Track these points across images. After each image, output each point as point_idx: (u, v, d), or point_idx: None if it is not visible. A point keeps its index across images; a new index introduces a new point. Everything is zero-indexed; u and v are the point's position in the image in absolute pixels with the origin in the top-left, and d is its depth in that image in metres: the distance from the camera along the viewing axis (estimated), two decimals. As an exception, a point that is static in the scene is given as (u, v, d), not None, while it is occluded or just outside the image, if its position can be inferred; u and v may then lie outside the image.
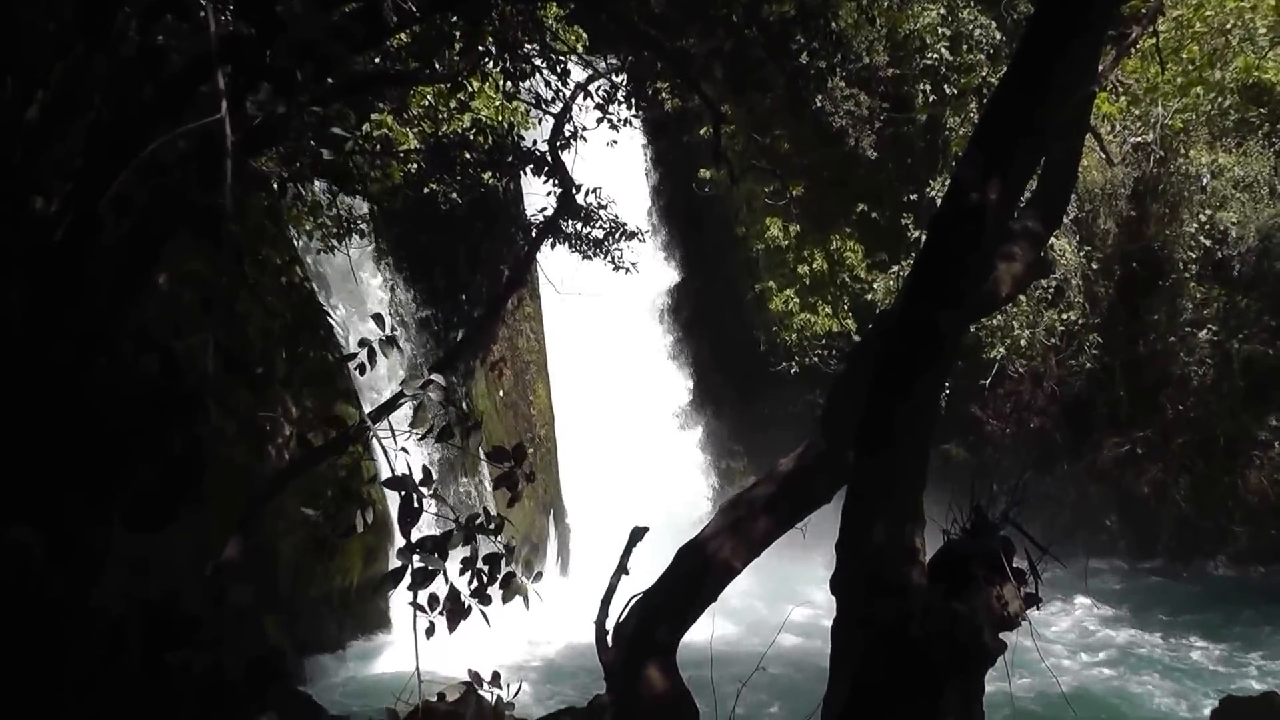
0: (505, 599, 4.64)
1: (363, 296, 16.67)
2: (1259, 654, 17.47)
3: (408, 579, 4.42)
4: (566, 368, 21.23)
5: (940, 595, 6.14)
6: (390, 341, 4.89)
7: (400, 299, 17.83)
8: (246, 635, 10.65)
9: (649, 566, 8.24)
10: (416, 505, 4.48)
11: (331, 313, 14.93)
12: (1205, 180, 22.61)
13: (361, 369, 4.88)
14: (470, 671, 4.45)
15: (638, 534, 8.58)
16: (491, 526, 4.66)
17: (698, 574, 7.84)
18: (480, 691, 4.40)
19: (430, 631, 4.53)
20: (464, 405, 4.71)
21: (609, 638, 8.30)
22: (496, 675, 4.45)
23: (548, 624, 15.00)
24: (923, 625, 5.98)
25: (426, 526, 4.67)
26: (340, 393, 13.59)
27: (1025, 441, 23.65)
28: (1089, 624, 19.27)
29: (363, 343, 4.89)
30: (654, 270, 23.47)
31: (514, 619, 16.21)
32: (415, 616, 4.55)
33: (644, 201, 23.39)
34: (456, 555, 4.74)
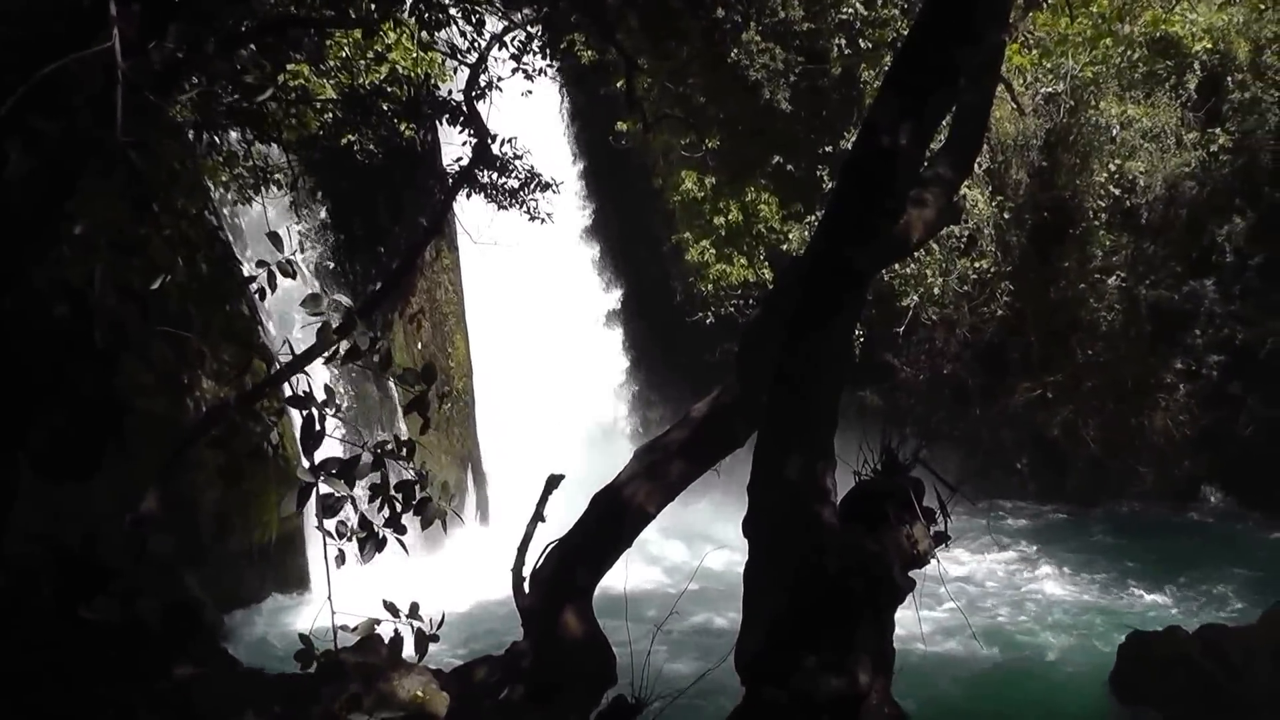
0: (423, 525, 4.58)
1: (280, 249, 16.42)
2: (1165, 591, 17.91)
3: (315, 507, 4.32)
4: (485, 320, 21.12)
5: (853, 533, 6.23)
6: (289, 264, 4.76)
7: (318, 251, 17.62)
8: (166, 587, 10.50)
9: (567, 514, 8.25)
10: (319, 427, 4.37)
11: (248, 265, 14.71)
12: (1115, 131, 22.89)
13: (261, 293, 4.75)
14: (386, 603, 4.36)
15: (554, 481, 8.58)
16: (403, 453, 4.56)
17: (614, 518, 7.86)
18: (399, 624, 4.32)
19: (340, 560, 4.43)
20: (373, 330, 4.60)
21: (526, 584, 8.31)
22: (415, 606, 4.37)
23: (468, 575, 15.02)
24: (838, 562, 6.06)
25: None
26: (257, 348, 13.38)
27: (939, 387, 23.98)
28: (999, 564, 19.60)
29: (260, 264, 4.76)
30: (572, 222, 23.41)
31: (434, 570, 16.21)
32: (325, 544, 4.44)
33: (563, 153, 23.30)
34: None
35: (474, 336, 21.13)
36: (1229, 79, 23.21)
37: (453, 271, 20.72)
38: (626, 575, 7.51)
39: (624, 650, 7.27)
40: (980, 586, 18.32)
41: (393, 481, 4.70)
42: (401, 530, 4.56)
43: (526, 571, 8.33)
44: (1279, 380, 22.17)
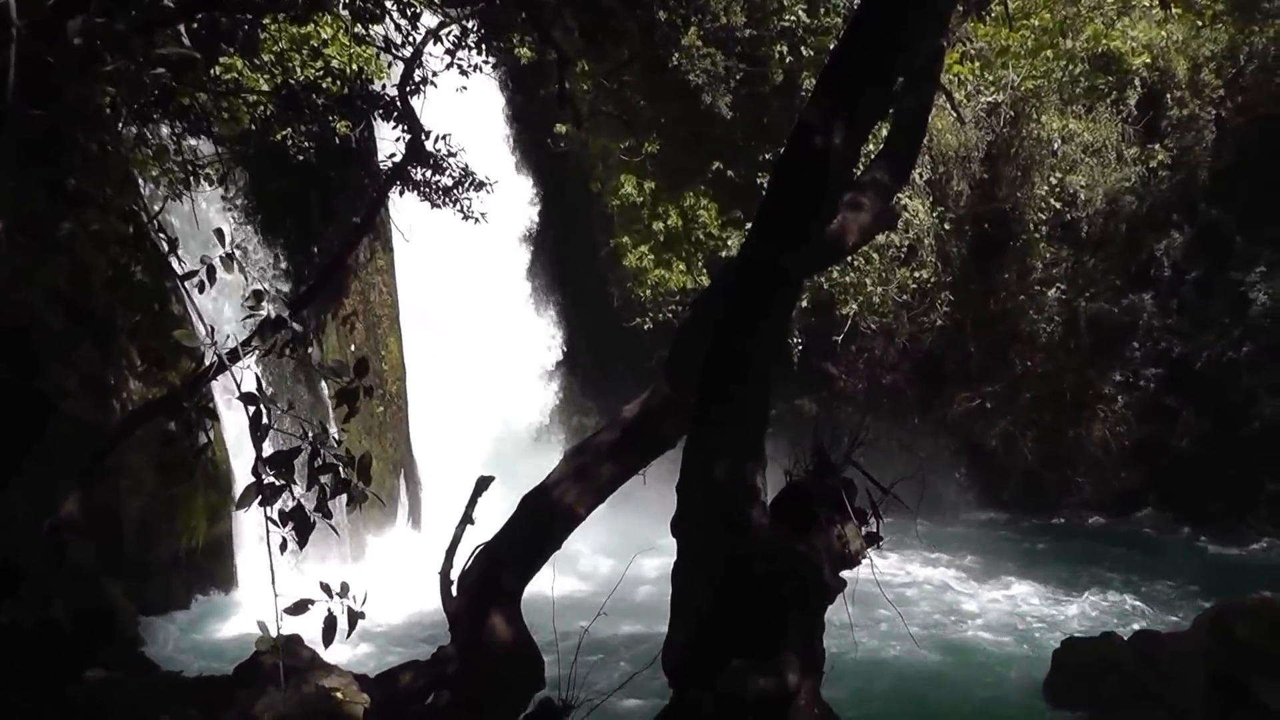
0: (349, 509, 4.55)
1: (210, 247, 16.17)
2: (1101, 598, 17.99)
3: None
4: (418, 323, 20.90)
5: (783, 534, 6.16)
6: (230, 258, 4.70)
7: (250, 249, 17.34)
8: (85, 594, 10.29)
9: (499, 517, 8.14)
10: (266, 421, 4.38)
11: (176, 261, 14.45)
12: (1056, 145, 23.13)
13: (201, 287, 4.69)
14: (322, 584, 4.31)
15: (483, 483, 8.46)
16: (333, 443, 4.52)
17: (542, 521, 7.77)
18: (330, 603, 4.26)
19: (284, 547, 4.45)
20: (302, 323, 4.55)
21: (454, 587, 8.19)
22: (345, 586, 4.33)
23: (400, 581, 14.83)
24: (766, 563, 5.99)
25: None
26: (187, 348, 13.15)
27: (877, 397, 24.05)
28: (936, 571, 19.67)
29: (203, 259, 4.71)
30: (510, 225, 23.24)
31: (366, 577, 15.95)
32: (268, 532, 4.49)
33: (502, 156, 23.13)
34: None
35: (408, 340, 20.90)
36: (1168, 96, 23.56)
37: (387, 274, 20.47)
38: (554, 578, 7.40)
39: (553, 654, 7.18)
40: (917, 592, 18.34)
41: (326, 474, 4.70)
42: (328, 514, 4.55)
43: (455, 574, 8.22)
44: (1214, 393, 22.45)
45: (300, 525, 4.39)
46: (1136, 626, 15.28)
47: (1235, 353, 22.42)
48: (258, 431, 4.29)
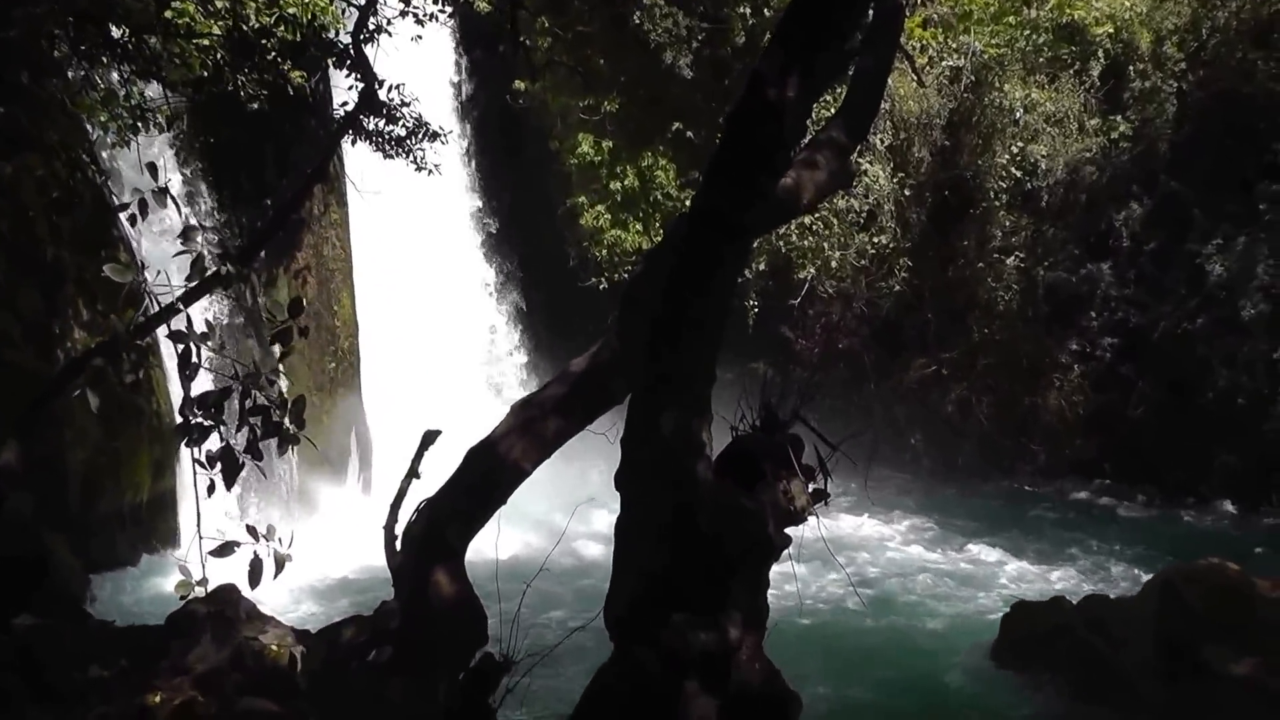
0: (280, 451, 4.46)
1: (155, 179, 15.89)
2: (1053, 563, 18.13)
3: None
4: (373, 278, 20.66)
5: (729, 490, 6.09)
6: (163, 193, 4.57)
7: (202, 199, 17.09)
8: (22, 544, 10.11)
9: (448, 473, 8.03)
10: (195, 360, 4.27)
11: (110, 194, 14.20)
12: (1018, 114, 23.15)
13: (133, 220, 4.56)
14: (248, 527, 4.22)
15: (430, 437, 8.36)
16: (262, 381, 4.41)
17: (488, 476, 7.65)
18: (257, 546, 4.16)
19: (211, 489, 4.36)
20: (234, 260, 4.44)
21: (398, 543, 8.09)
22: (271, 529, 4.23)
23: (350, 537, 14.75)
24: (710, 518, 5.92)
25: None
26: (130, 294, 12.94)
27: (834, 361, 24.07)
28: (889, 535, 19.81)
29: (135, 191, 4.57)
30: (466, 182, 23.07)
31: (316, 533, 15.87)
32: (195, 474, 4.39)
33: (460, 112, 22.93)
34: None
35: (361, 295, 20.67)
36: (1131, 68, 23.64)
37: (341, 227, 20.17)
38: (498, 533, 7.31)
39: (499, 610, 7.12)
40: (869, 555, 18.44)
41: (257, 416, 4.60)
42: (259, 456, 4.47)
43: (399, 529, 8.12)
44: (1170, 363, 22.62)
45: (228, 467, 4.29)
46: (1087, 591, 15.36)
47: (1191, 324, 22.57)
48: (186, 370, 4.17)
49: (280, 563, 4.26)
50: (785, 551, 6.27)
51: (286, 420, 4.46)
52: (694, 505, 5.84)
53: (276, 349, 17.22)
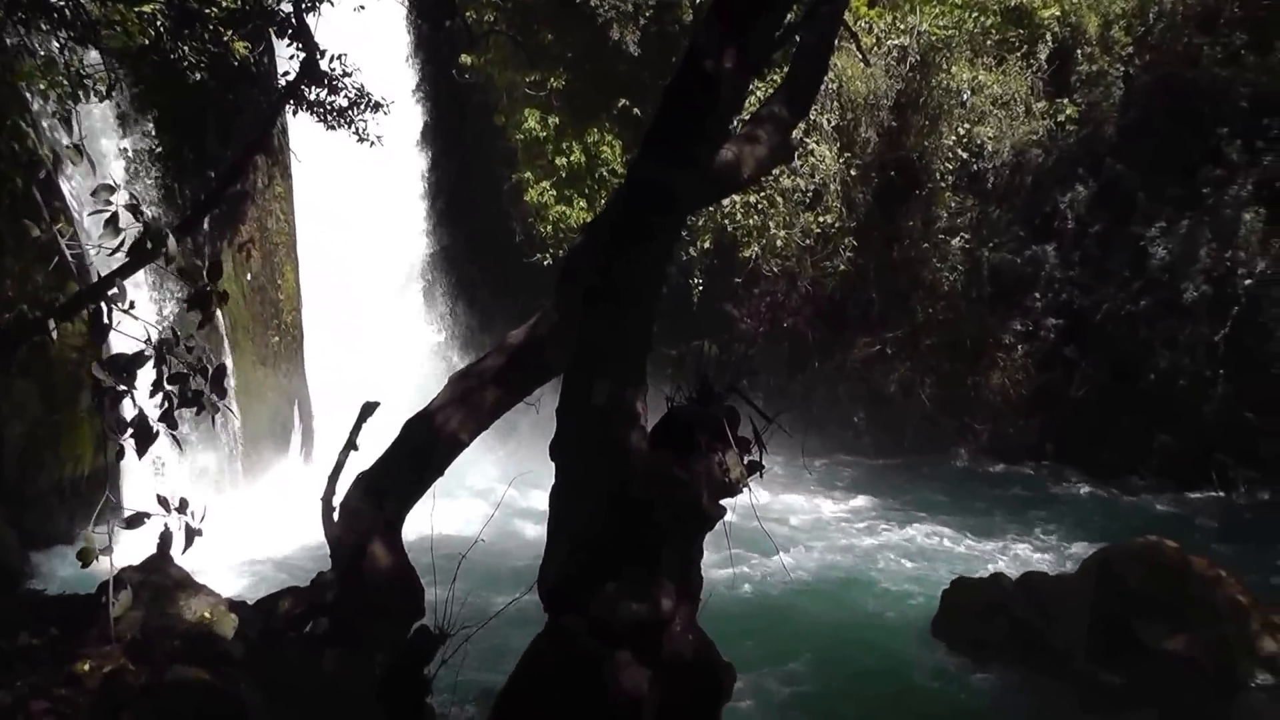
0: (198, 420, 4.42)
1: (102, 166, 15.71)
2: (993, 541, 18.28)
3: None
4: (316, 252, 20.49)
5: (662, 460, 6.10)
6: (78, 149, 4.49)
7: (146, 171, 16.85)
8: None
9: (386, 446, 8.00)
10: (107, 320, 4.21)
11: (65, 183, 14.04)
12: (965, 96, 23.22)
13: (47, 175, 4.50)
14: (159, 497, 4.16)
15: (368, 409, 8.33)
16: (182, 347, 4.33)
17: (425, 447, 7.65)
18: (169, 518, 4.11)
19: (120, 454, 4.30)
20: (150, 218, 4.35)
21: (335, 514, 8.06)
22: (184, 501, 4.18)
23: (291, 511, 14.66)
24: (643, 488, 5.93)
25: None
26: (67, 266, 12.79)
27: (778, 340, 24.13)
28: (832, 513, 19.91)
29: (52, 149, 4.51)
30: (411, 156, 22.90)
31: (258, 506, 15.71)
32: (107, 443, 4.32)
33: (406, 86, 22.71)
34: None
35: (305, 269, 20.50)
36: (1078, 51, 23.75)
37: (285, 200, 19.96)
38: (434, 505, 7.30)
39: (434, 583, 7.09)
40: (810, 534, 18.47)
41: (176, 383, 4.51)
42: (174, 424, 4.39)
43: (337, 501, 8.09)
44: (1112, 345, 22.81)
45: (141, 435, 4.22)
46: (1026, 568, 15.50)
47: (1134, 306, 22.77)
48: (97, 333, 4.11)
49: (190, 537, 4.19)
50: (721, 524, 6.29)
51: (207, 389, 4.38)
52: (626, 474, 5.85)
53: (224, 326, 17.11)
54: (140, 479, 15.35)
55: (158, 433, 4.28)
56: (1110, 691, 12.16)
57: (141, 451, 4.27)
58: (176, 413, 4.42)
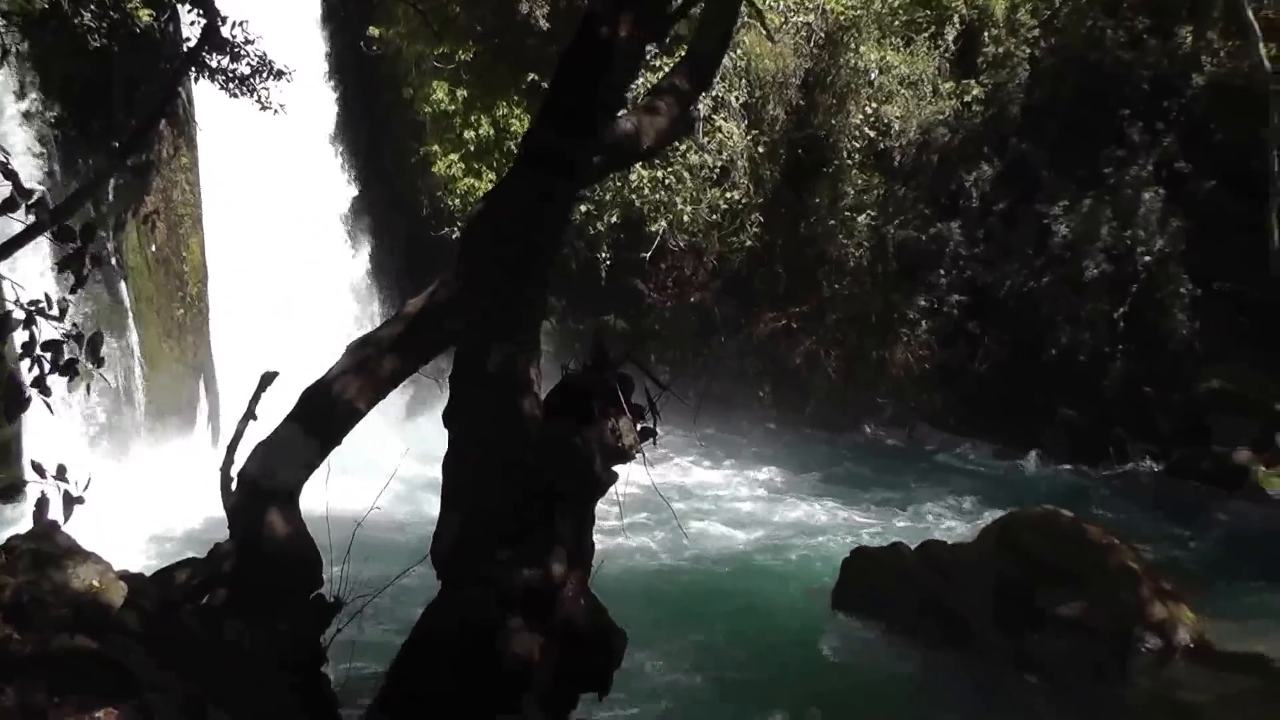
0: (70, 387, 4.35)
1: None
2: (896, 512, 18.65)
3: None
4: (223, 224, 20.16)
5: (555, 426, 6.15)
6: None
7: (50, 141, 16.51)
8: None
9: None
10: None
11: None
12: (873, 75, 23.47)
13: None
14: (33, 463, 4.12)
15: (267, 379, 8.26)
16: (54, 312, 4.27)
17: (323, 416, 7.58)
18: (44, 484, 4.07)
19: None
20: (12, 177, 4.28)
21: (234, 484, 8.00)
22: (61, 468, 4.13)
23: (196, 485, 14.50)
24: (535, 454, 5.98)
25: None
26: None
27: (685, 315, 24.31)
28: (736, 486, 20.14)
29: None
30: (325, 127, 22.65)
31: (162, 484, 15.49)
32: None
33: (314, 57, 22.42)
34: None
35: (211, 241, 20.19)
36: (985, 33, 24.09)
37: (190, 171, 19.64)
38: (328, 474, 7.27)
39: (331, 552, 7.09)
40: (714, 506, 18.65)
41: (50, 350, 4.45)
42: (46, 391, 4.33)
43: (236, 471, 8.02)
44: (1014, 320, 23.24)
45: (11, 403, 4.16)
46: (926, 537, 15.69)
47: (1036, 283, 23.20)
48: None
49: (70, 505, 4.14)
50: (616, 493, 6.36)
51: (84, 360, 4.31)
52: (520, 441, 5.89)
53: (128, 301, 16.84)
54: (39, 451, 15.08)
55: (29, 398, 4.22)
56: (1008, 656, 12.45)
57: (10, 417, 4.22)
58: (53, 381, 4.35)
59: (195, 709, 6.27)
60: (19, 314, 4.19)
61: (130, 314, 17.36)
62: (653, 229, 22.77)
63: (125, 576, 7.78)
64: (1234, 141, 21.91)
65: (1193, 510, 19.09)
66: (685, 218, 22.60)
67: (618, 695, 9.82)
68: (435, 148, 23.21)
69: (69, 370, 4.30)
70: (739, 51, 21.98)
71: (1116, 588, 12.74)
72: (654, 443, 6.57)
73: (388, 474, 13.94)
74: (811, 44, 23.02)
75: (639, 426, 6.44)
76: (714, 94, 22.07)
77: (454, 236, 22.60)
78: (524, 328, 6.04)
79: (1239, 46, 21.61)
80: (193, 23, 11.64)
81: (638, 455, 6.39)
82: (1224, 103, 22.01)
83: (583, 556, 6.15)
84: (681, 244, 23.43)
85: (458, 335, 7.59)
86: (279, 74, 12.57)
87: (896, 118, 23.23)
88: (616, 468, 6.35)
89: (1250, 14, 19.95)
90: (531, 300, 6.08)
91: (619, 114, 7.48)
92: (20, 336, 4.23)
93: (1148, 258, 22.07)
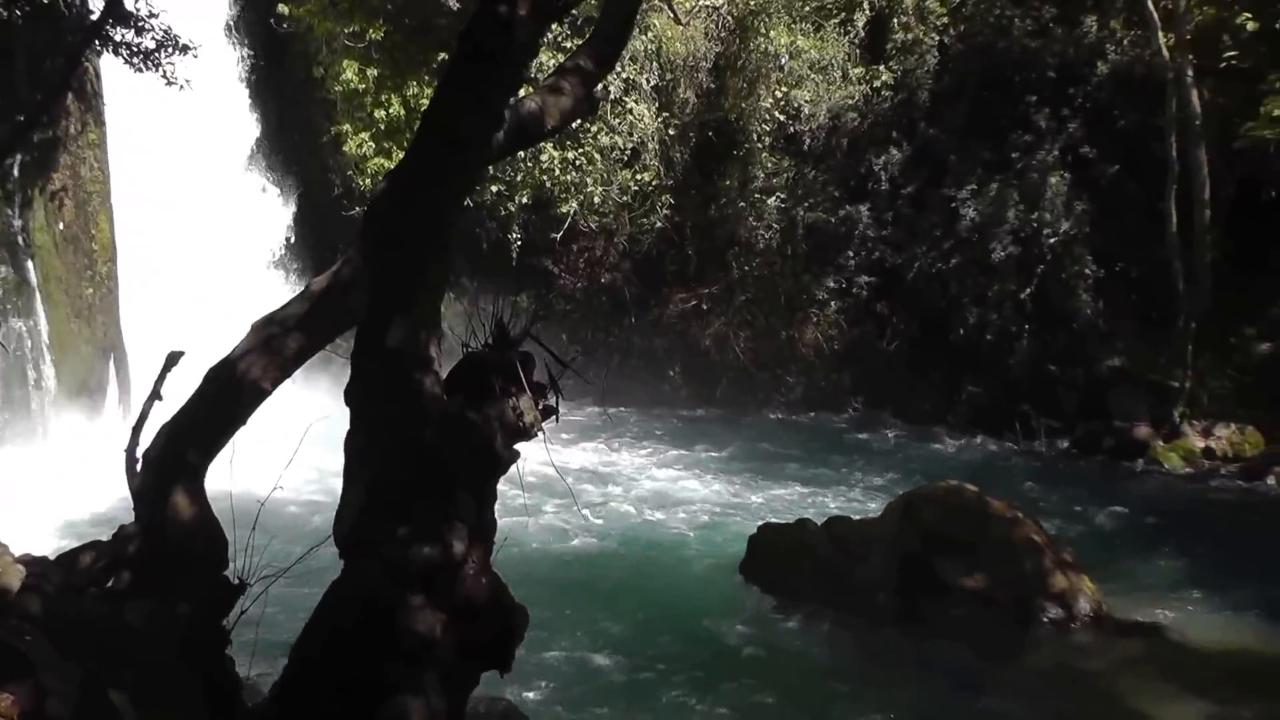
0: None
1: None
2: (804, 489, 18.84)
3: None
4: (132, 202, 19.86)
5: (457, 404, 6.20)
6: None
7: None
8: None
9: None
10: None
11: None
12: (783, 60, 23.75)
13: None
14: None
15: (173, 359, 8.21)
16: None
17: (228, 395, 7.54)
18: None
19: None
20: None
21: (139, 465, 7.96)
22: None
23: (105, 467, 14.32)
24: (435, 431, 6.02)
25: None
26: None
27: (596, 295, 24.40)
28: (644, 465, 20.22)
29: None
30: (235, 104, 22.40)
31: (71, 466, 15.28)
32: None
33: (223, 34, 22.18)
34: None
35: (121, 219, 19.86)
36: (895, 20, 24.51)
37: (99, 148, 19.33)
38: (233, 455, 7.25)
39: (234, 533, 7.07)
40: (621, 486, 18.65)
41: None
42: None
43: (141, 452, 7.98)
44: (922, 301, 23.66)
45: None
46: (832, 513, 15.89)
47: (944, 264, 23.64)
48: None
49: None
50: (516, 470, 6.40)
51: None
52: (419, 417, 5.93)
53: (35, 279, 16.56)
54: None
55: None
56: (913, 628, 12.69)
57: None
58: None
59: (95, 691, 6.23)
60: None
61: (38, 294, 17.10)
62: (564, 210, 22.88)
63: (27, 560, 7.71)
64: (1135, 128, 22.43)
65: (1096, 484, 19.50)
66: (596, 199, 22.74)
67: (525, 676, 9.93)
68: (346, 127, 23.11)
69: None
70: (650, 34, 22.10)
71: (1019, 559, 13.02)
72: (556, 420, 6.63)
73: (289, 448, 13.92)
74: (721, 28, 23.15)
75: (540, 405, 6.49)
76: (625, 76, 22.21)
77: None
78: (424, 304, 6.08)
79: (1141, 36, 22.12)
80: (95, -7, 11.54)
81: (539, 434, 6.45)
82: (1126, 90, 22.59)
83: (484, 534, 6.19)
84: (592, 225, 23.57)
85: (361, 313, 7.64)
86: (184, 49, 12.47)
87: (806, 102, 23.53)
88: (521, 446, 6.41)
89: (1151, 5, 20.43)
90: (433, 275, 6.11)
91: (522, 94, 7.53)
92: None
93: (1053, 240, 22.58)
